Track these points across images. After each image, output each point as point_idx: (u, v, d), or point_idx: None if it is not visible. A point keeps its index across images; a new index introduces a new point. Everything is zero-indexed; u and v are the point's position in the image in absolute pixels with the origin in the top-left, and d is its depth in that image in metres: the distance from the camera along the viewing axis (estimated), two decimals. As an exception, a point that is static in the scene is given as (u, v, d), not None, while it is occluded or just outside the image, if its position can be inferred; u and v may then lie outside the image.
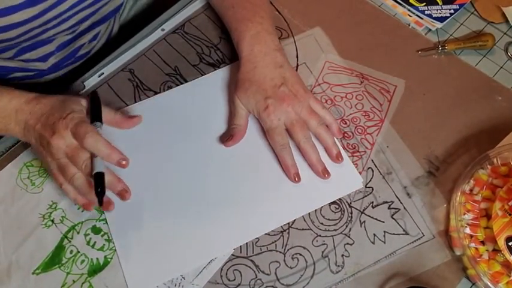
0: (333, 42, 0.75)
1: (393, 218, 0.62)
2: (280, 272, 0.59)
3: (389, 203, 0.63)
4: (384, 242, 0.60)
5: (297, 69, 0.72)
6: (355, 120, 0.69)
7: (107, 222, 0.62)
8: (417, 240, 0.61)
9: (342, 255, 0.60)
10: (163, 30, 0.76)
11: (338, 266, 0.59)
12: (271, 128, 0.64)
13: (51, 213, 0.63)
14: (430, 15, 0.76)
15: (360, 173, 0.65)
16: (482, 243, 0.56)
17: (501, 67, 0.73)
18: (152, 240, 0.61)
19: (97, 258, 0.60)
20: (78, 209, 0.62)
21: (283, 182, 0.64)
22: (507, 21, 0.76)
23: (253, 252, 0.60)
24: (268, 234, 0.61)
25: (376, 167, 0.65)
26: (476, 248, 0.56)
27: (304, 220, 0.62)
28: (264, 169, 0.65)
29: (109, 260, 0.60)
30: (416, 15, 0.77)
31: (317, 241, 0.61)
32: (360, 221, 0.62)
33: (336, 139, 0.65)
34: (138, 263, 0.59)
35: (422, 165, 0.65)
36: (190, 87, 0.72)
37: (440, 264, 0.59)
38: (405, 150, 0.66)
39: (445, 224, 0.61)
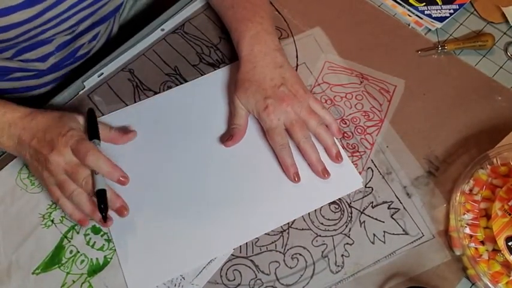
0: (332, 42, 0.75)
1: (393, 218, 0.62)
2: (280, 272, 0.59)
3: (389, 203, 0.63)
4: (384, 242, 0.60)
5: (296, 69, 0.72)
6: (354, 120, 0.69)
7: (106, 222, 0.62)
8: (417, 240, 0.61)
9: (342, 255, 0.60)
10: (163, 30, 0.76)
11: (338, 266, 0.59)
12: (270, 128, 0.64)
13: (51, 213, 0.63)
14: (429, 15, 0.76)
15: (360, 173, 0.65)
16: (482, 243, 0.56)
17: (501, 67, 0.73)
18: (152, 240, 0.61)
19: (97, 258, 0.60)
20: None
21: (283, 182, 0.64)
22: (507, 21, 0.76)
23: (253, 252, 0.60)
24: (268, 234, 0.61)
25: (375, 167, 0.65)
26: (476, 248, 0.56)
27: (304, 220, 0.62)
28: (264, 169, 0.65)
29: (109, 260, 0.60)
30: (416, 15, 0.77)
31: (317, 241, 0.61)
32: (360, 221, 0.62)
33: (335, 139, 0.65)
34: (138, 263, 0.59)
35: (422, 165, 0.65)
36: (190, 87, 0.72)
37: (440, 264, 0.59)
38: (405, 150, 0.66)
39: (445, 224, 0.61)
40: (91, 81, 0.72)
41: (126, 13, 0.87)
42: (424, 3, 0.78)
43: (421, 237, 0.61)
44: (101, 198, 0.56)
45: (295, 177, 0.63)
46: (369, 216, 0.62)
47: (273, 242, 0.61)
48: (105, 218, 0.56)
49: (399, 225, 0.62)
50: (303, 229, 0.61)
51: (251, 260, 0.60)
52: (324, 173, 0.63)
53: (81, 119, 0.63)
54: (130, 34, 0.76)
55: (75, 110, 0.70)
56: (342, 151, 0.65)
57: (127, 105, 0.70)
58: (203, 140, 0.67)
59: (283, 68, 0.65)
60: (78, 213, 0.59)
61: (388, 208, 0.63)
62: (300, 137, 0.63)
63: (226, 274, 0.59)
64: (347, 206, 0.63)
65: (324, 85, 0.72)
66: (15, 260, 0.60)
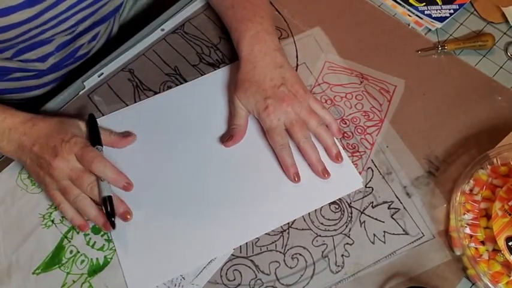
0: (332, 42, 0.75)
1: (393, 218, 0.62)
2: (280, 272, 0.59)
3: (389, 203, 0.63)
4: (384, 242, 0.60)
5: (296, 69, 0.72)
6: (355, 120, 0.69)
7: (106, 223, 0.62)
8: (417, 240, 0.61)
9: (342, 255, 0.60)
10: (163, 30, 0.76)
11: (338, 266, 0.59)
12: (271, 128, 0.64)
13: (51, 213, 0.63)
14: (429, 15, 0.76)
15: (360, 173, 0.65)
16: (482, 243, 0.56)
17: (501, 67, 0.73)
18: (152, 240, 0.61)
19: (97, 258, 0.60)
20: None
21: (283, 182, 0.64)
22: (507, 21, 0.76)
23: (253, 252, 0.60)
24: (268, 234, 0.61)
25: (376, 167, 0.65)
26: (476, 248, 0.56)
27: (304, 220, 0.62)
28: (264, 169, 0.65)
29: (109, 260, 0.60)
30: (416, 15, 0.77)
31: (317, 241, 0.61)
32: (360, 221, 0.62)
33: (335, 139, 0.65)
34: (138, 263, 0.59)
35: (422, 165, 0.65)
36: (190, 87, 0.72)
37: (440, 264, 0.59)
38: (405, 150, 0.66)
39: (445, 224, 0.61)
40: (91, 81, 0.72)
41: (126, 13, 0.87)
42: (424, 3, 0.78)
43: (421, 237, 0.61)
44: (108, 205, 0.58)
45: (295, 177, 0.63)
46: (369, 216, 0.62)
47: (273, 242, 0.61)
48: (113, 224, 0.58)
49: (399, 225, 0.62)
50: (303, 229, 0.61)
51: (251, 260, 0.60)
52: (324, 173, 0.63)
53: (82, 125, 0.64)
54: (130, 34, 0.76)
55: (75, 110, 0.70)
56: (342, 151, 0.65)
57: (127, 105, 0.70)
58: (203, 140, 0.67)
59: (283, 68, 0.65)
60: (79, 218, 0.60)
61: (388, 208, 0.63)
62: (300, 137, 0.63)
63: (226, 274, 0.59)
64: (347, 206, 0.63)
65: (324, 85, 0.72)
66: (15, 260, 0.60)
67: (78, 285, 0.59)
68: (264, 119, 0.64)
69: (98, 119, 0.65)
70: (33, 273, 0.59)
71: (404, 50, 0.74)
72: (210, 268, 0.59)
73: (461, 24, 0.77)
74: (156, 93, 0.71)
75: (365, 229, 0.61)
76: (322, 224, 0.62)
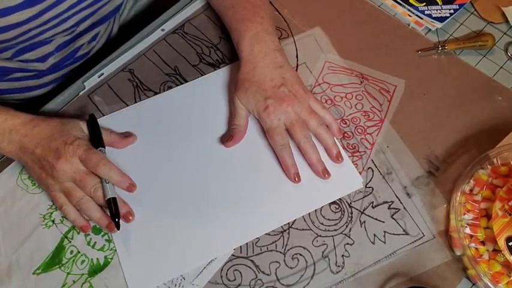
0: (332, 42, 0.75)
1: (393, 218, 0.62)
2: (280, 272, 0.59)
3: (390, 203, 0.63)
4: (384, 242, 0.60)
5: (296, 69, 0.72)
6: (355, 120, 0.69)
7: (107, 223, 0.62)
8: (417, 240, 0.61)
9: (342, 256, 0.60)
10: (163, 30, 0.76)
11: (338, 266, 0.59)
12: (271, 128, 0.64)
13: (51, 213, 0.63)
14: (430, 15, 0.76)
15: (360, 173, 0.65)
16: (483, 243, 0.56)
17: (501, 67, 0.73)
18: (152, 241, 0.61)
19: (97, 259, 0.60)
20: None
21: (283, 182, 0.64)
22: (507, 21, 0.76)
23: (253, 253, 0.60)
24: (268, 234, 0.61)
25: (376, 167, 0.65)
26: (476, 248, 0.56)
27: (304, 220, 0.62)
28: (264, 169, 0.65)
29: (109, 260, 0.60)
30: (416, 15, 0.77)
31: (317, 241, 0.61)
32: (360, 221, 0.62)
33: (336, 139, 0.65)
34: (139, 263, 0.59)
35: (422, 165, 0.65)
36: (190, 87, 0.72)
37: (441, 264, 0.59)
38: (405, 150, 0.66)
39: (445, 224, 0.61)
40: (91, 81, 0.72)
41: (126, 13, 0.87)
42: (424, 3, 0.78)
43: (421, 237, 0.61)
44: (113, 206, 0.58)
45: (295, 178, 0.63)
46: (369, 216, 0.62)
47: (273, 242, 0.61)
48: (118, 225, 0.58)
49: (399, 225, 0.62)
50: (303, 229, 0.61)
51: (251, 260, 0.60)
52: (324, 173, 0.63)
53: (84, 126, 0.64)
54: (131, 34, 0.76)
55: (75, 111, 0.70)
56: (342, 151, 0.65)
57: (127, 105, 0.70)
58: (203, 140, 0.67)
59: (283, 68, 0.65)
60: (82, 220, 0.60)
61: (389, 208, 0.63)
62: (300, 137, 0.63)
63: (226, 274, 0.59)
64: (347, 206, 0.63)
65: (324, 85, 0.72)
66: (15, 260, 0.60)
67: (79, 285, 0.59)
68: (264, 119, 0.64)
69: (98, 119, 0.65)
70: (33, 273, 0.59)
71: (405, 50, 0.74)
72: (210, 268, 0.59)
73: (462, 24, 0.77)
74: (156, 93, 0.71)
75: (365, 229, 0.61)
76: (322, 224, 0.62)
